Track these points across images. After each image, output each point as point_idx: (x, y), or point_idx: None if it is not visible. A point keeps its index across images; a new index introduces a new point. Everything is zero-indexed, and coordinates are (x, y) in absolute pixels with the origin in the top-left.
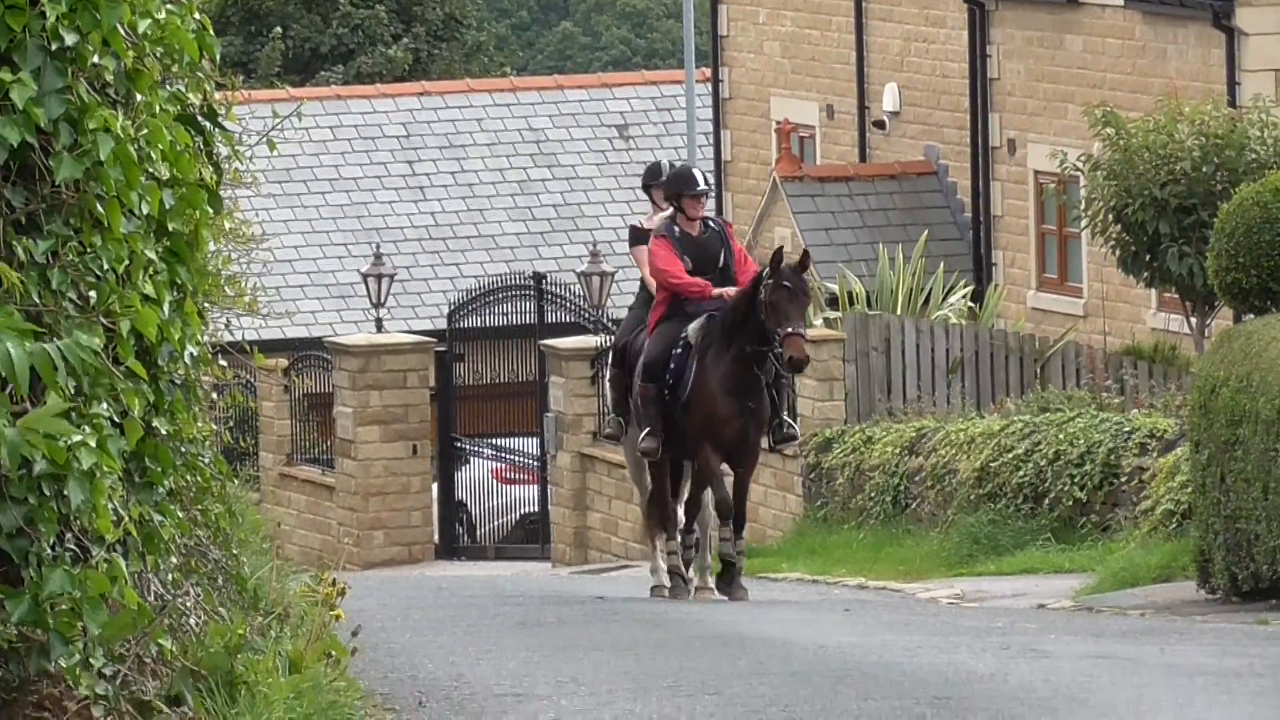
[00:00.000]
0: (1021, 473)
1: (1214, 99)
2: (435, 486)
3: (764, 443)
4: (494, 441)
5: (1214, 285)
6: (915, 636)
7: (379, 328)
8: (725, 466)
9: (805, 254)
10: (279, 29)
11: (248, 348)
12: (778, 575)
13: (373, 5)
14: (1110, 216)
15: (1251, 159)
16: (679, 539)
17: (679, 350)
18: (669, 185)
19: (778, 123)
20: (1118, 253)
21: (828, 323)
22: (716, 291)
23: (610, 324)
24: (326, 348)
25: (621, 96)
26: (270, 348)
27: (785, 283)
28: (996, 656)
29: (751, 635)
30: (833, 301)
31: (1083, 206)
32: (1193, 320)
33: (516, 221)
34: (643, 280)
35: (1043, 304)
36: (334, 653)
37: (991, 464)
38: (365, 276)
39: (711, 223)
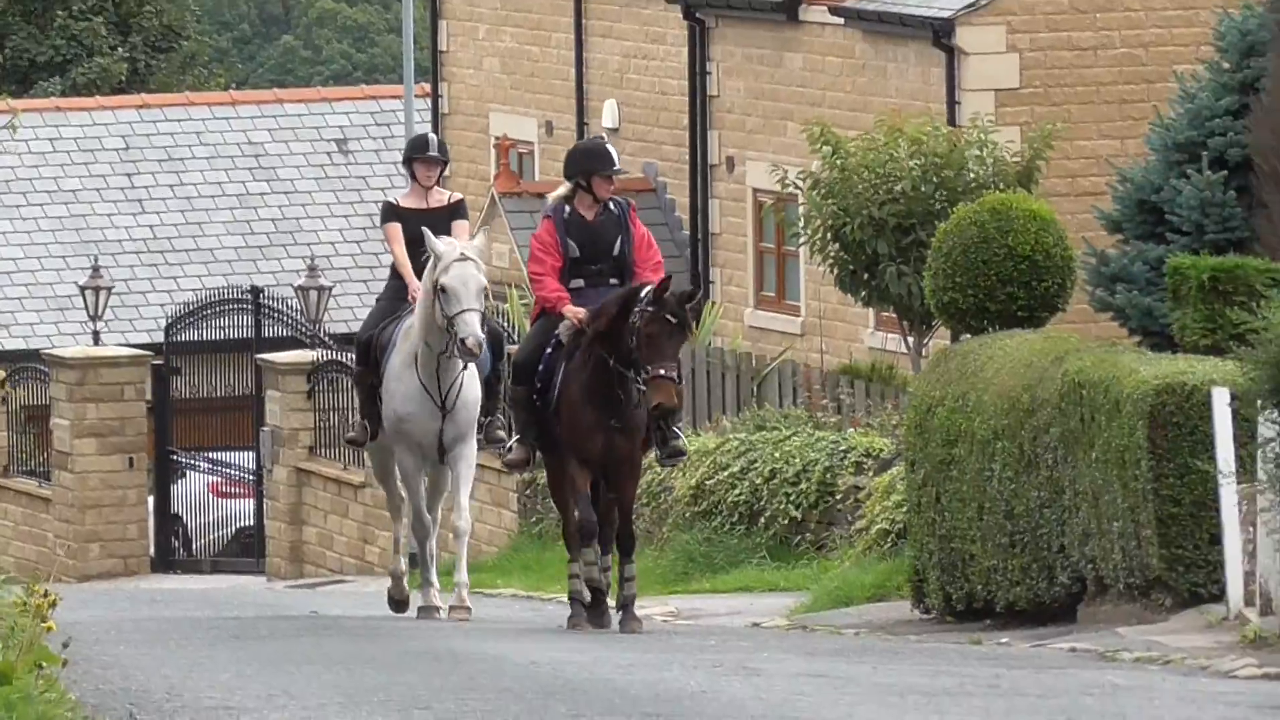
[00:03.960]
0: (737, 491)
1: (934, 118)
2: (151, 499)
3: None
4: (210, 455)
5: (931, 305)
6: (628, 653)
7: (96, 340)
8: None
9: (696, 287)
10: None
11: None
12: (492, 591)
13: (90, 17)
14: (829, 235)
15: (970, 179)
16: (595, 549)
17: (550, 350)
18: (577, 161)
19: (497, 138)
20: (836, 271)
21: None
22: (568, 312)
23: (328, 339)
24: (44, 360)
25: (341, 111)
26: None
27: (668, 315)
28: (708, 674)
29: (463, 650)
30: None
31: (801, 225)
32: (910, 340)
33: (235, 235)
34: (393, 266)
35: (760, 322)
36: (45, 664)
37: (707, 482)
38: (83, 289)
39: (611, 204)
